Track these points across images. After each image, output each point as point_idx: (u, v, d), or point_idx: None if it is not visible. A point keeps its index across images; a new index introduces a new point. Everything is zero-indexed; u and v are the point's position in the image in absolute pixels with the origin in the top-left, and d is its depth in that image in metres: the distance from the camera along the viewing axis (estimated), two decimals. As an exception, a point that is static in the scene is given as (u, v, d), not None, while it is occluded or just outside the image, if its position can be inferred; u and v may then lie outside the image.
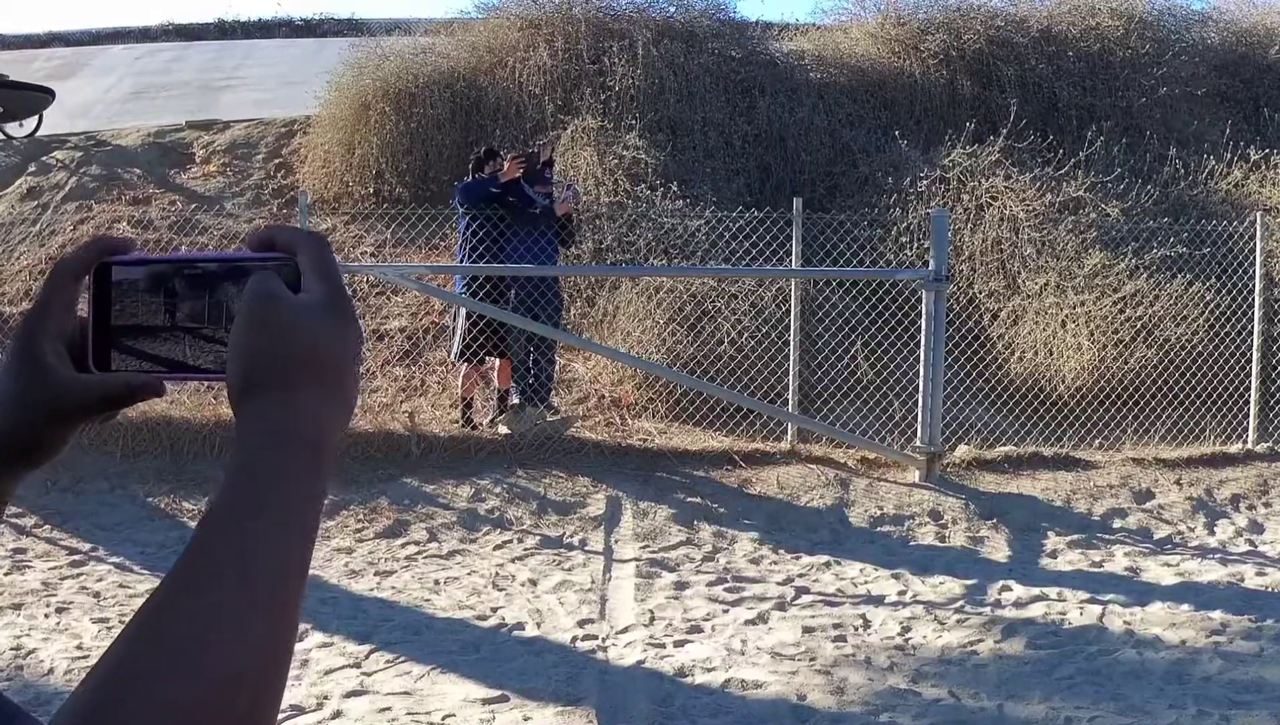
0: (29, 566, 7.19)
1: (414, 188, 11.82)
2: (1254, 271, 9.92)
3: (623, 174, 11.30)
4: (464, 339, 9.18)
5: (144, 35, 22.36)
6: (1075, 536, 7.95)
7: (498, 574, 7.21)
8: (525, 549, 7.66)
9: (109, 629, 6.09)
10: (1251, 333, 9.79)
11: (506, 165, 9.27)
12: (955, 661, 5.93)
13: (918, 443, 8.83)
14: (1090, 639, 6.23)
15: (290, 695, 5.36)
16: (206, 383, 0.90)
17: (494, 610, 6.57)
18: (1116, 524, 8.24)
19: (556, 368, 9.58)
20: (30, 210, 11.91)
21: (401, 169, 12.05)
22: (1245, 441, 9.51)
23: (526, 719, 5.17)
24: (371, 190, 12.04)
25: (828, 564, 7.46)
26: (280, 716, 4.37)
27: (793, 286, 9.58)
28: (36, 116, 13.79)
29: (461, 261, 9.36)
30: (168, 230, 11.31)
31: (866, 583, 7.16)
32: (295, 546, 0.80)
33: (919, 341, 8.92)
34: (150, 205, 12.04)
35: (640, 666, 5.85)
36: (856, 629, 6.36)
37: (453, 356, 9.49)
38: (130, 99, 16.09)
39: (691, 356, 9.83)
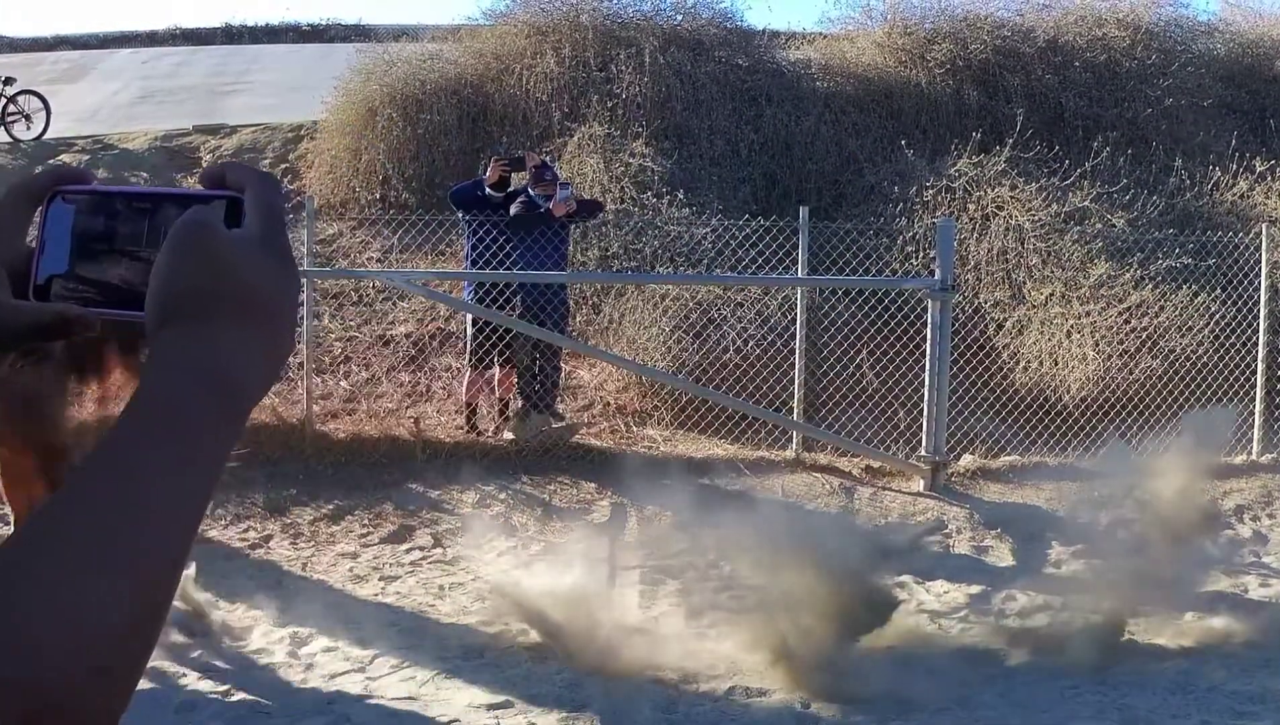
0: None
1: (420, 194, 11.83)
2: (1259, 283, 9.92)
3: (629, 181, 11.31)
4: (470, 344, 9.21)
5: (151, 39, 22.42)
6: (1080, 546, 7.94)
7: (502, 580, 7.20)
8: (530, 555, 7.67)
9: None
10: (1256, 344, 9.79)
11: (490, 169, 9.31)
12: (959, 670, 5.92)
13: (922, 452, 8.83)
14: (1094, 648, 6.22)
15: (295, 699, 5.37)
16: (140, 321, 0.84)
17: (498, 616, 6.57)
18: (1121, 534, 8.22)
19: (562, 374, 9.58)
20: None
21: (408, 175, 12.07)
22: (1250, 453, 9.51)
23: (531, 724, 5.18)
24: (378, 196, 12.06)
25: (832, 572, 7.45)
26: (285, 720, 4.36)
27: (798, 295, 9.59)
28: (44, 118, 13.82)
29: (467, 268, 9.37)
30: (174, 234, 11.33)
31: (871, 591, 7.15)
32: (190, 491, 0.74)
33: (924, 351, 8.93)
34: (157, 209, 12.06)
35: (644, 673, 5.85)
36: (860, 637, 6.35)
37: (468, 362, 9.51)
38: (137, 103, 16.13)
39: (697, 364, 9.84)
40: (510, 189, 9.36)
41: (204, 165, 12.94)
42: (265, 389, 0.83)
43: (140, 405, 0.75)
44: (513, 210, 9.07)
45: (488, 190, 9.28)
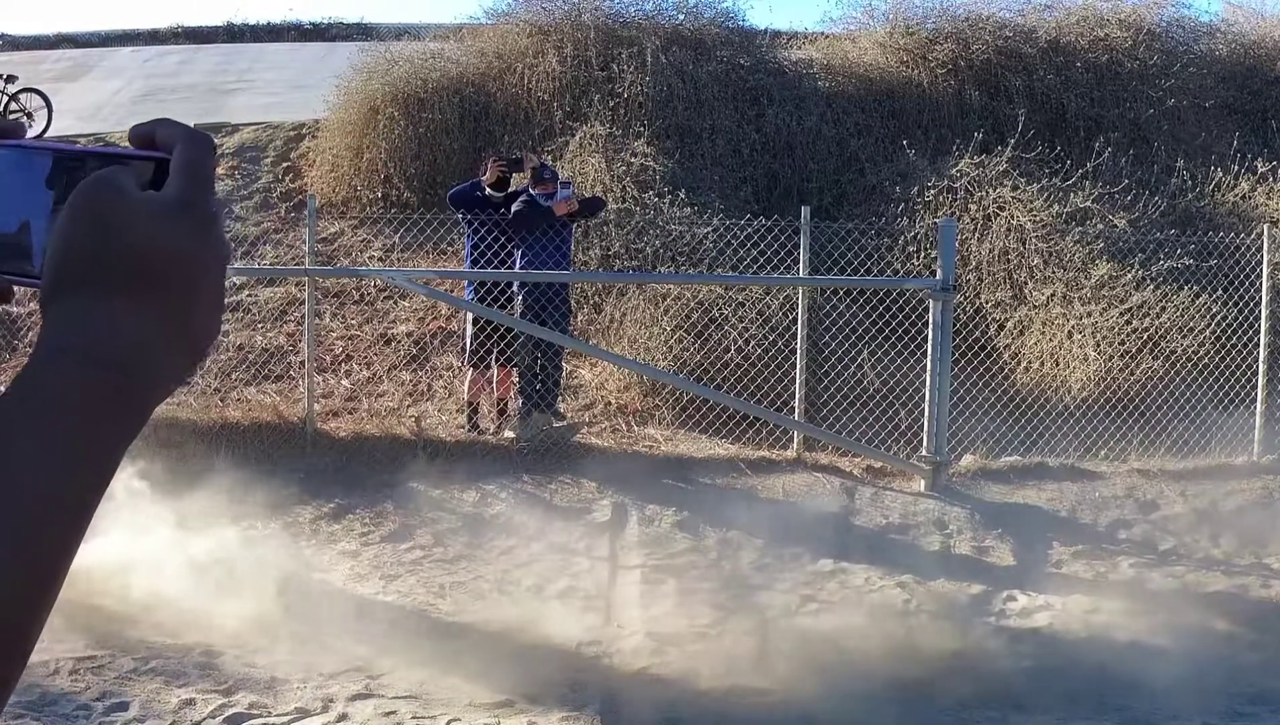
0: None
1: (422, 193, 11.84)
2: (1260, 284, 9.92)
3: (631, 181, 11.31)
4: (471, 344, 9.22)
5: (153, 38, 22.40)
6: (1080, 547, 7.95)
7: (503, 579, 7.21)
8: (530, 554, 7.66)
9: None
10: (1258, 345, 9.79)
11: (488, 169, 9.31)
12: (960, 671, 5.92)
13: (923, 452, 8.82)
14: (1094, 649, 6.23)
15: (295, 698, 5.37)
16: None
17: (499, 615, 6.58)
18: (1121, 535, 8.23)
19: (563, 374, 9.58)
20: None
21: (409, 174, 12.07)
22: (1251, 453, 9.50)
23: (531, 724, 5.18)
24: (379, 195, 12.05)
25: (833, 572, 7.46)
26: (285, 719, 4.37)
27: (800, 295, 9.58)
28: (46, 116, 13.82)
29: (468, 267, 9.38)
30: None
31: (871, 591, 7.16)
32: (67, 481, 0.66)
33: (925, 351, 8.92)
34: (159, 207, 12.05)
35: (645, 673, 5.86)
36: (861, 638, 6.36)
37: (466, 361, 9.52)
38: (139, 101, 16.12)
39: (698, 364, 9.84)
40: (510, 190, 9.36)
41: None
42: (178, 372, 0.73)
43: (19, 385, 0.68)
44: (514, 209, 9.06)
45: (487, 191, 9.28)
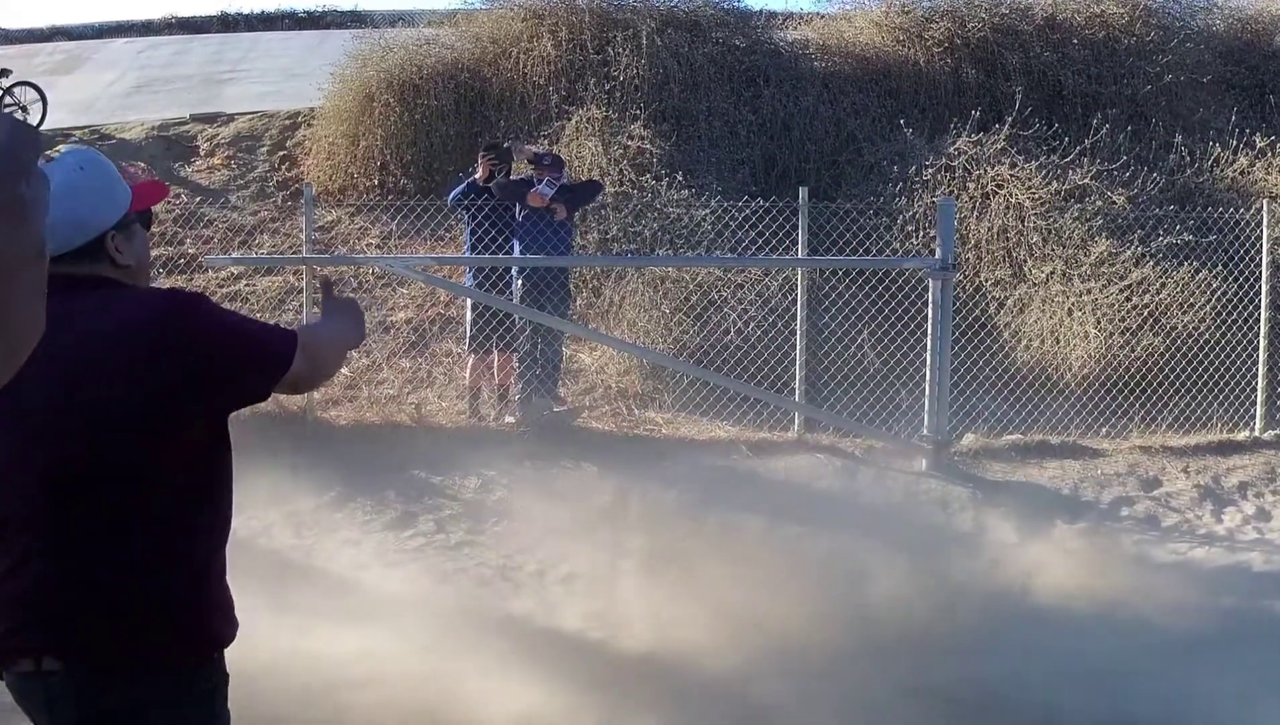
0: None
1: (419, 179, 11.82)
2: (1260, 259, 9.90)
3: (628, 164, 11.28)
4: (471, 330, 9.22)
5: (146, 29, 22.33)
6: (1083, 524, 7.95)
7: (505, 565, 7.21)
8: (533, 539, 7.66)
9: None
10: (1258, 320, 9.77)
11: (480, 166, 9.32)
12: (963, 650, 5.92)
13: (925, 431, 8.82)
14: (1100, 627, 6.22)
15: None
16: None
17: (502, 601, 6.58)
18: (1124, 512, 8.23)
19: (563, 358, 9.58)
20: None
21: (406, 161, 12.04)
22: (1252, 429, 9.50)
23: (536, 710, 5.17)
24: (376, 182, 12.03)
25: (836, 553, 7.44)
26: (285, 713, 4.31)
27: (799, 276, 9.57)
28: (41, 110, 13.79)
29: (468, 253, 9.38)
30: (172, 223, 11.31)
31: (874, 573, 7.14)
32: None
33: (925, 330, 8.91)
34: (155, 198, 12.02)
35: (649, 657, 5.85)
36: (865, 618, 6.35)
37: (468, 348, 9.52)
38: (134, 92, 16.07)
39: (698, 346, 9.83)
40: (484, 180, 9.39)
41: (202, 153, 12.93)
42: None
43: None
44: (493, 187, 9.12)
45: (481, 186, 9.31)
